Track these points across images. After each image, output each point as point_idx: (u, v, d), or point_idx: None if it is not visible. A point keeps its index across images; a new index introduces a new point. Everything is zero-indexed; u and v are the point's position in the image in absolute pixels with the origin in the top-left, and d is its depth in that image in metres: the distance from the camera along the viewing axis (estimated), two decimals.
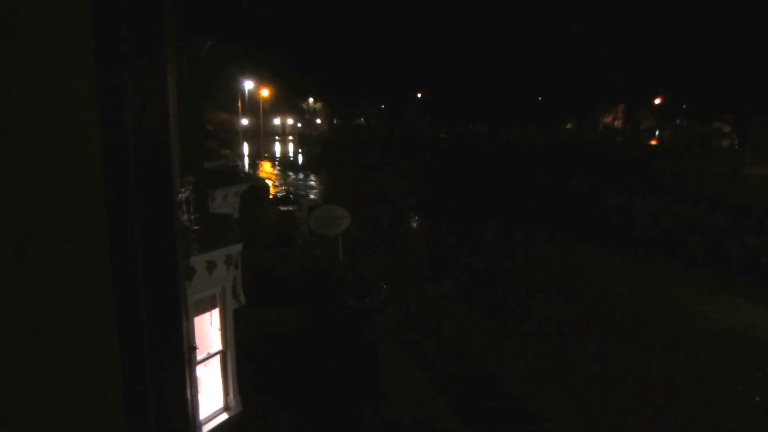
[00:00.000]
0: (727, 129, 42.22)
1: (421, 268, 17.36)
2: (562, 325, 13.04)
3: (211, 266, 6.66)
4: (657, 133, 55.75)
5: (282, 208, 25.62)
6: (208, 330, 7.45)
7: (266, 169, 44.21)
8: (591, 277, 16.63)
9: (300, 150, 63.23)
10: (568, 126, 59.05)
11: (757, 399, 9.89)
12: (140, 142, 2.11)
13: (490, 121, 55.81)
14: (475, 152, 44.39)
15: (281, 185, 34.69)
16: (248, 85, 49.80)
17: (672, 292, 15.36)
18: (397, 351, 11.17)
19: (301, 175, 39.66)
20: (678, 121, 50.67)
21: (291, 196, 29.00)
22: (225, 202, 10.93)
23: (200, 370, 7.28)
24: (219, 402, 7.63)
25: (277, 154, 57.23)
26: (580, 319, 13.46)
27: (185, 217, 6.01)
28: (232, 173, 13.26)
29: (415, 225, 24.64)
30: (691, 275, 16.91)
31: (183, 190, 5.81)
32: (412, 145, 53.30)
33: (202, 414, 7.32)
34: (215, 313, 7.31)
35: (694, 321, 13.45)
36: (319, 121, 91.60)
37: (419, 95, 66.58)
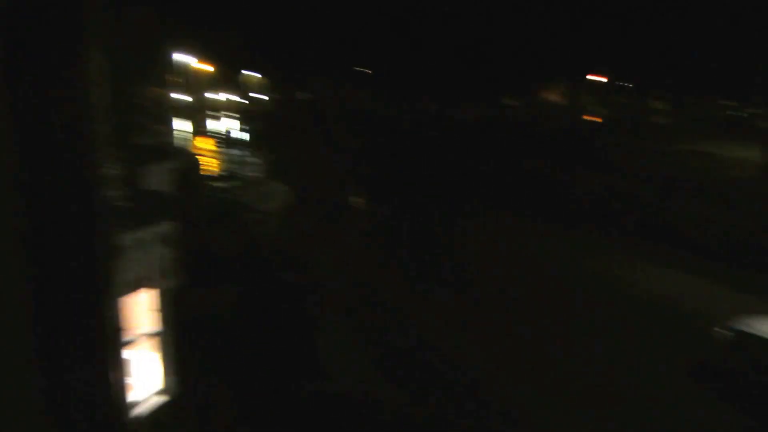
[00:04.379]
0: (662, 106, 43.89)
1: (366, 245, 17.37)
2: (504, 296, 13.37)
3: (140, 244, 6.43)
4: (596, 109, 57.31)
5: (221, 185, 25.03)
6: (141, 311, 7.22)
7: (206, 145, 43.01)
8: (533, 251, 17.08)
9: (243, 126, 61.79)
10: (511, 103, 59.86)
11: (681, 359, 10.47)
12: (55, 114, 1.96)
13: (437, 97, 55.93)
14: (423, 130, 44.50)
15: (222, 162, 33.83)
16: (187, 59, 47.90)
17: (605, 262, 16.00)
18: (338, 325, 11.20)
19: (243, 152, 38.78)
20: (617, 99, 52.22)
21: (231, 172, 28.31)
22: (158, 179, 10.55)
23: (134, 353, 7.06)
24: (155, 384, 7.44)
25: (219, 130, 55.72)
26: (521, 289, 13.85)
27: (113, 193, 5.76)
28: (166, 149, 12.80)
29: (360, 201, 24.58)
30: (623, 245, 17.64)
31: (110, 166, 5.56)
32: (361, 122, 52.95)
33: (137, 397, 7.12)
34: (148, 293, 7.08)
35: (624, 289, 14.07)
36: (263, 96, 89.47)
37: (367, 71, 65.94)
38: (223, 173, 28.46)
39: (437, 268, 15.25)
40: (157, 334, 7.25)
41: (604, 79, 46.20)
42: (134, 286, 6.78)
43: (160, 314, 7.18)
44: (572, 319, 12.27)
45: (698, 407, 9.15)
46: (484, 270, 15.27)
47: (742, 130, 37.87)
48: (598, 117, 51.85)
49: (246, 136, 52.09)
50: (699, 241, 17.06)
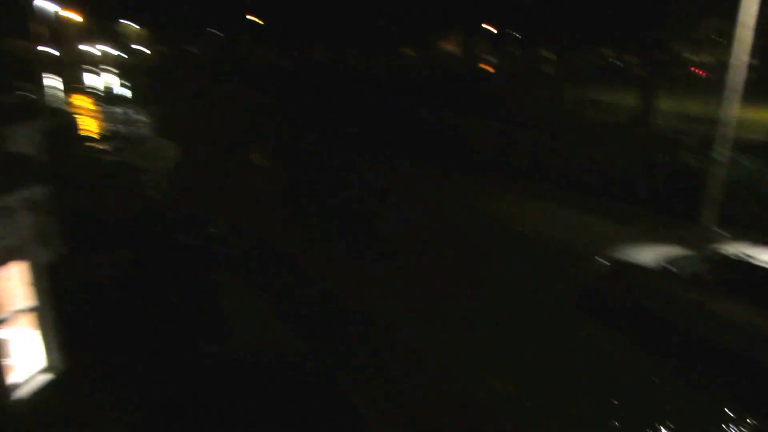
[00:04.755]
0: (551, 56, 45.46)
1: (265, 201, 16.98)
2: (406, 241, 13.65)
3: (6, 212, 5.84)
4: (490, 59, 58.54)
5: (104, 145, 23.35)
6: (13, 286, 6.62)
7: (84, 103, 39.77)
8: (432, 196, 17.44)
9: (124, 82, 57.50)
10: (408, 53, 59.84)
11: (570, 294, 11.20)
12: None
13: (334, 48, 54.77)
14: (319, 81, 43.49)
15: (102, 120, 31.49)
16: (53, 7, 43.60)
17: (499, 204, 16.67)
18: (239, 284, 10.97)
19: (127, 109, 36.24)
20: (509, 49, 53.57)
21: (115, 132, 26.49)
22: (24, 140, 9.58)
23: (10, 332, 6.50)
24: (39, 363, 6.94)
25: (96, 86, 51.56)
26: (421, 233, 14.17)
27: None
28: (33, 108, 11.65)
29: (260, 156, 23.87)
30: (517, 188, 18.42)
31: None
32: (251, 75, 50.86)
33: (18, 378, 6.61)
34: (20, 266, 6.49)
35: (517, 227, 14.77)
36: (144, 49, 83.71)
37: (259, 21, 63.04)
38: (105, 132, 26.54)
39: (341, 220, 15.23)
40: (34, 310, 6.71)
41: (496, 30, 47.22)
42: (2, 259, 6.18)
43: (36, 288, 6.63)
44: (469, 259, 12.77)
45: (583, 331, 9.86)
46: (386, 218, 15.45)
47: (622, 76, 40.25)
48: (491, 67, 53.02)
49: (128, 93, 48.70)
50: (585, 181, 18.15)
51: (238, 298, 10.46)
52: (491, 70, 51.80)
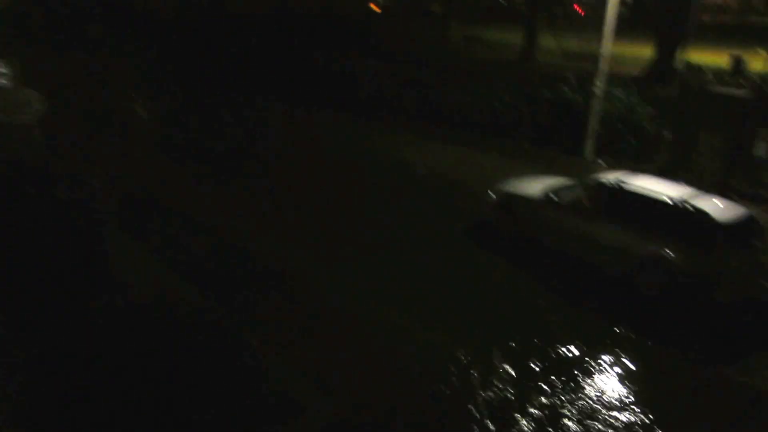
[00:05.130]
0: None
1: (149, 152, 15.93)
2: (299, 186, 13.41)
3: None
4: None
5: None
6: None
7: None
8: (325, 139, 17.11)
9: None
10: None
11: (462, 228, 11.53)
12: None
13: None
14: (200, 25, 40.78)
15: None
16: None
17: (391, 144, 16.69)
18: (127, 238, 10.37)
19: None
20: None
21: None
22: None
23: None
24: None
25: None
26: (315, 178, 13.96)
27: None
28: None
29: (140, 105, 22.25)
30: (408, 128, 18.48)
31: None
32: (128, 18, 46.77)
33: None
34: None
35: (409, 166, 14.92)
36: None
37: None
38: None
39: (233, 166, 14.63)
40: None
41: None
42: None
43: None
44: (364, 198, 12.83)
45: (474, 262, 10.26)
46: (279, 162, 15.04)
47: (507, 15, 40.97)
48: (378, 7, 52.06)
49: None
50: (474, 119, 18.51)
51: (127, 252, 9.89)
52: (378, 10, 50.96)
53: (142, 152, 15.62)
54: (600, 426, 6.54)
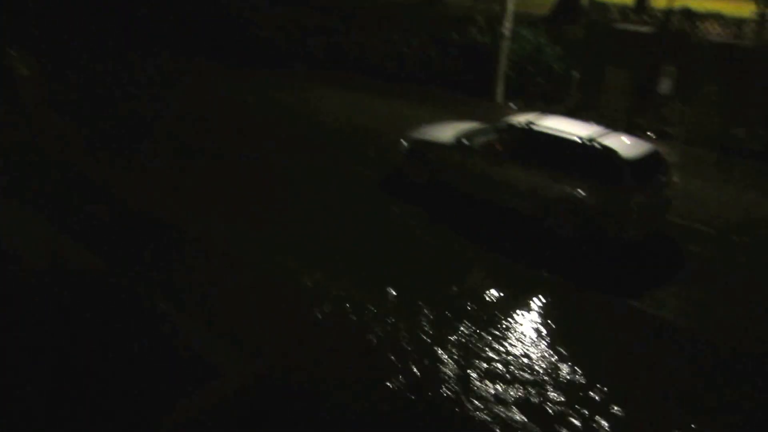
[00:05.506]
0: None
1: (33, 111, 14.39)
2: (204, 142, 12.55)
3: None
4: None
5: None
6: None
7: None
8: (230, 92, 16.03)
9: None
10: None
11: (375, 178, 11.12)
12: None
13: None
14: None
15: None
16: None
17: (295, 94, 15.89)
18: (16, 204, 9.33)
19: None
20: None
21: None
22: None
23: None
24: None
25: None
26: (220, 133, 13.11)
27: None
28: None
29: (18, 65, 20.05)
30: (315, 78, 17.65)
31: None
32: None
33: None
34: None
35: (318, 117, 14.25)
36: None
37: None
38: None
39: (129, 124, 13.42)
40: None
41: None
42: None
43: None
44: (273, 152, 12.15)
45: (389, 212, 9.93)
46: (180, 118, 13.97)
47: None
48: None
49: None
50: (383, 66, 17.92)
51: (18, 218, 8.90)
52: None
53: (28, 111, 14.11)
54: (518, 360, 6.53)
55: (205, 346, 6.38)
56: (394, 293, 7.74)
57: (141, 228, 9.04)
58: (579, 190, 8.78)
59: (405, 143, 10.80)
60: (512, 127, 9.66)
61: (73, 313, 6.79)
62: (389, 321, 7.18)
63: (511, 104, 15.62)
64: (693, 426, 5.85)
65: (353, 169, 11.50)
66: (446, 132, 10.60)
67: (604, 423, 5.79)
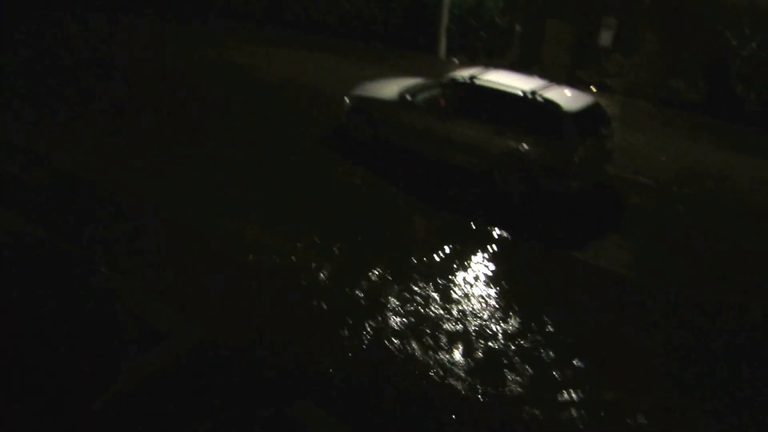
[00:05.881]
0: None
1: None
2: (143, 103, 11.93)
3: None
4: None
5: None
6: None
7: None
8: (166, 51, 15.15)
9: None
10: None
11: (319, 136, 10.81)
12: None
13: None
14: None
15: None
16: None
17: (238, 53, 15.20)
18: None
19: None
20: None
21: None
22: None
23: None
24: None
25: None
26: (159, 95, 12.45)
27: None
28: None
29: None
30: (254, 36, 16.92)
31: None
32: None
33: None
34: None
35: (260, 76, 13.71)
36: None
37: None
38: None
39: (58, 87, 12.54)
40: None
41: None
42: None
43: None
44: (215, 112, 11.68)
45: (332, 171, 9.74)
46: (113, 79, 13.14)
47: None
48: None
49: None
50: (324, 22, 17.30)
51: None
52: None
53: None
54: (465, 311, 6.55)
55: (149, 310, 6.23)
56: (341, 251, 7.64)
57: (76, 193, 8.61)
58: (522, 144, 8.74)
59: (348, 101, 10.50)
60: (455, 82, 9.48)
61: (8, 280, 6.52)
62: (335, 277, 7.09)
63: (454, 59, 15.41)
64: (629, 369, 6.01)
65: (296, 129, 11.14)
66: (389, 88, 10.34)
67: (546, 363, 5.90)
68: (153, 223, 8.01)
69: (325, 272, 7.21)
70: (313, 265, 7.31)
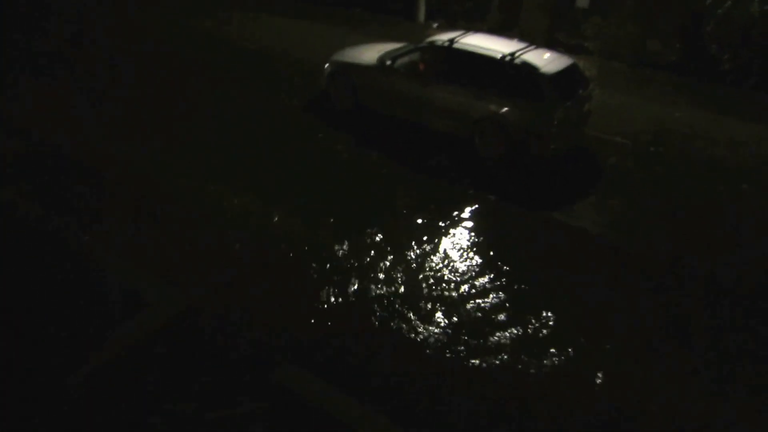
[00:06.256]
0: None
1: None
2: (121, 73, 11.79)
3: None
4: None
5: None
6: None
7: None
8: (139, 19, 14.85)
9: None
10: None
11: (301, 103, 10.79)
12: None
13: None
14: None
15: None
16: None
17: (216, 20, 14.94)
18: None
19: None
20: None
21: None
22: None
23: None
24: None
25: None
26: (138, 63, 12.27)
27: None
28: None
29: None
30: (233, 2, 16.58)
31: None
32: None
33: None
34: None
35: (240, 43, 13.56)
36: None
37: None
38: None
39: (33, 56, 12.29)
40: None
41: None
42: None
43: None
44: (196, 80, 11.60)
45: (314, 137, 9.79)
46: (91, 48, 12.89)
47: None
48: None
49: None
50: None
51: None
52: None
53: None
54: (444, 272, 6.77)
55: (131, 278, 6.21)
56: (322, 215, 7.75)
57: (58, 164, 8.56)
58: (502, 108, 8.83)
59: (328, 67, 10.46)
60: (434, 46, 9.49)
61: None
62: (317, 242, 7.22)
63: (434, 24, 15.33)
64: (607, 324, 6.26)
65: (277, 96, 11.11)
66: (369, 53, 10.31)
67: (526, 318, 6.13)
68: (135, 190, 8.03)
69: (306, 236, 7.32)
70: (295, 229, 7.42)
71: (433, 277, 6.80)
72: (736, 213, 8.37)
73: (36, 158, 8.71)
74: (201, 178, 8.37)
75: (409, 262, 7.01)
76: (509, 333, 6.04)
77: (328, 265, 6.87)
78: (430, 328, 6.06)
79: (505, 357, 5.75)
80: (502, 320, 6.21)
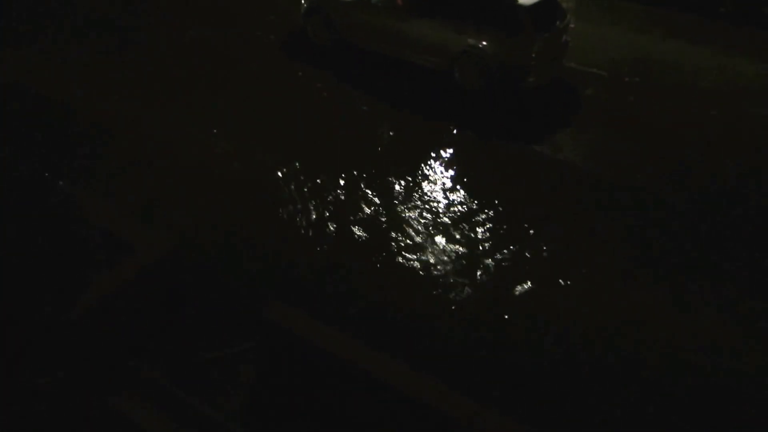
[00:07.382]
0: None
1: None
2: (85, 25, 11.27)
3: None
4: None
5: None
6: None
7: None
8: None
9: None
10: None
11: (280, 43, 10.62)
12: None
13: None
14: None
15: None
16: None
17: None
18: None
19: None
20: None
21: None
22: None
23: None
24: None
25: None
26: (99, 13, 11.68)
27: None
28: None
29: None
30: None
31: None
32: None
33: None
34: None
35: None
36: None
37: None
38: None
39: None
40: None
41: None
42: None
43: None
44: (166, 20, 11.27)
45: (292, 74, 9.74)
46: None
47: None
48: None
49: None
50: None
51: None
52: None
53: None
54: (432, 208, 6.99)
55: (116, 224, 6.16)
56: (304, 154, 7.84)
57: (51, 120, 8.45)
58: (481, 41, 8.83)
59: (305, 2, 10.26)
60: None
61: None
62: (301, 180, 7.37)
63: None
64: (588, 248, 6.58)
65: (254, 34, 10.90)
66: None
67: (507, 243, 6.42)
68: (123, 142, 7.98)
69: (290, 177, 7.44)
70: (278, 171, 7.52)
71: (413, 208, 7.00)
72: (707, 137, 8.59)
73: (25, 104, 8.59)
74: (179, 120, 8.36)
75: (390, 197, 7.19)
76: (491, 258, 6.33)
77: (311, 202, 7.04)
78: (412, 257, 6.31)
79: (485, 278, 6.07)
80: (484, 248, 6.47)
